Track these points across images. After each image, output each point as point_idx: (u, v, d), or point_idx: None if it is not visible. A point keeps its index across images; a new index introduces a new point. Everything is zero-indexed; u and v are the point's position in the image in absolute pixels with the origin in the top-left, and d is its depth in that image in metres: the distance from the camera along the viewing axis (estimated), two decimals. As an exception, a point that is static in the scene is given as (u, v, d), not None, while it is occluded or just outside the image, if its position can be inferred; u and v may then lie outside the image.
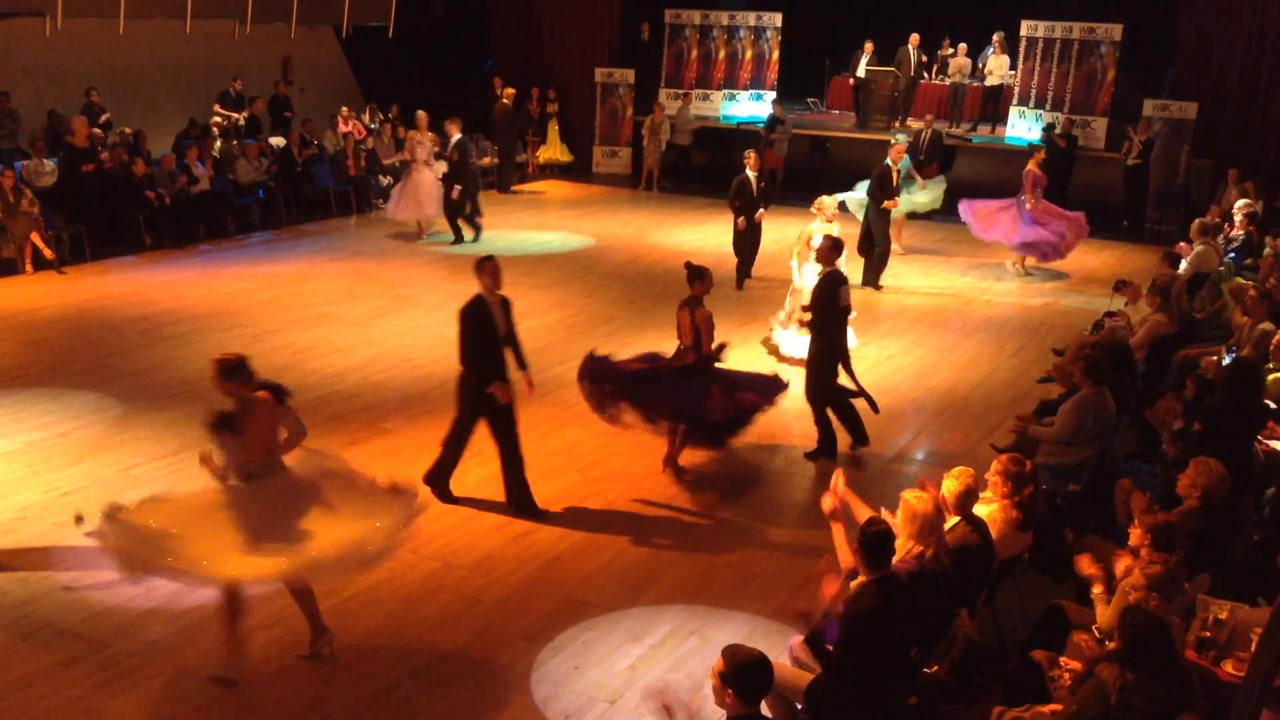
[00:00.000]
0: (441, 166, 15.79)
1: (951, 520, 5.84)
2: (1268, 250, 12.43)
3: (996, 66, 20.63)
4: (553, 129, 21.91)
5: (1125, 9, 19.54)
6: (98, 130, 15.87)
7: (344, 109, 19.22)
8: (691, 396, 8.21)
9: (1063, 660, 5.26)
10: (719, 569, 7.27)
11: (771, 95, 21.61)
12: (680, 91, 21.98)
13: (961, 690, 5.72)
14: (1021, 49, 20.33)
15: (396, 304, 12.84)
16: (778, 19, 21.92)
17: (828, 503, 5.78)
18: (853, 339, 11.03)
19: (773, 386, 8.70)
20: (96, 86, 16.91)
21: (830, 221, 11.35)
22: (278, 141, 18.21)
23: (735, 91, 22.17)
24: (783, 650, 5.78)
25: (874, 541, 4.99)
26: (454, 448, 8.00)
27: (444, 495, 8.01)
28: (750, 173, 13.41)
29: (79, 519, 7.14)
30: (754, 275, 14.02)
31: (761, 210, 13.54)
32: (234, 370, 5.90)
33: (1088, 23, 19.32)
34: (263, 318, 11.66)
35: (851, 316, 9.43)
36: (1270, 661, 3.92)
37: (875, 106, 20.63)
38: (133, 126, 16.59)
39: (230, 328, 11.70)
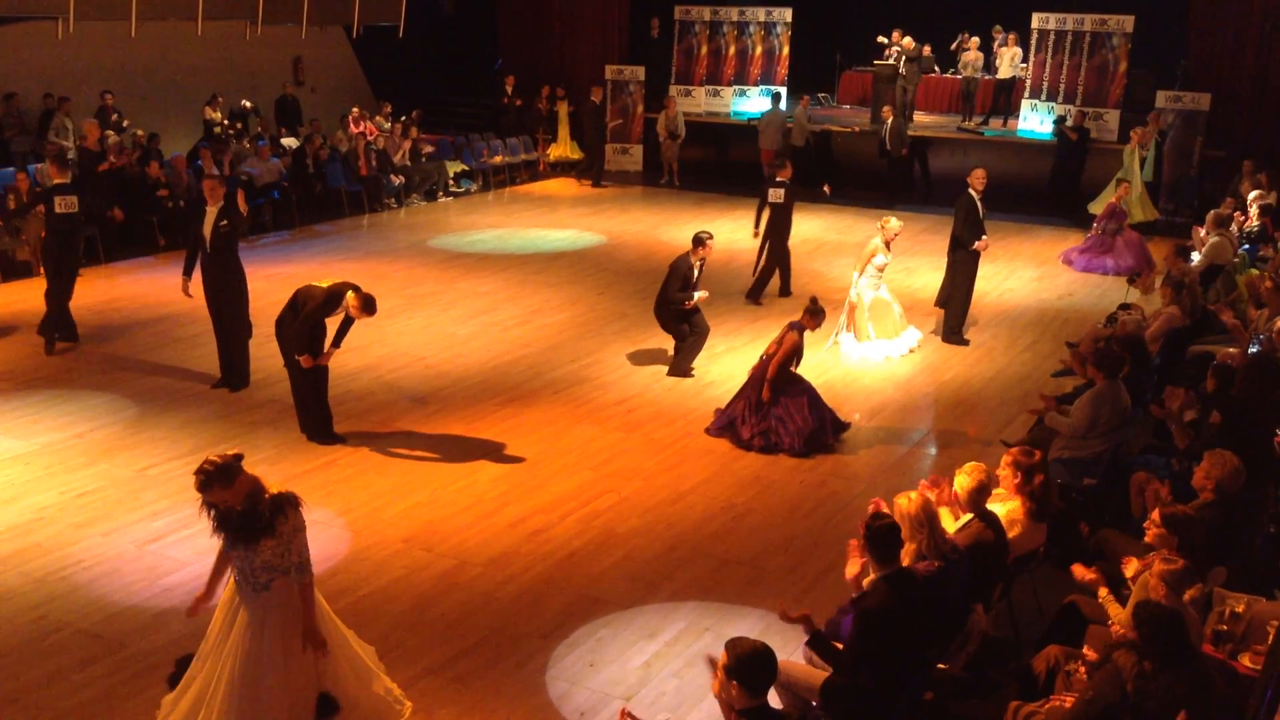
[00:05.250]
0: None
1: (965, 517, 5.84)
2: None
3: (1009, 58, 20.57)
4: (563, 127, 21.92)
5: (1136, 0, 19.45)
6: (111, 132, 15.94)
7: (355, 109, 19.27)
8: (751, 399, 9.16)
9: (1086, 649, 5.22)
10: (733, 566, 7.27)
11: (782, 90, 21.62)
12: (687, 88, 22.00)
13: (978, 685, 5.71)
14: (1033, 41, 20.26)
15: (409, 303, 12.88)
16: (788, 14, 21.88)
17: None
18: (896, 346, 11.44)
19: (821, 431, 9.15)
20: (110, 89, 16.99)
21: (888, 244, 11.11)
22: (290, 142, 18.27)
23: (746, 87, 22.15)
24: (797, 648, 5.78)
25: (879, 535, 4.97)
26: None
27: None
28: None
29: None
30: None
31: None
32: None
33: (1099, 14, 19.23)
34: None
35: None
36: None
37: (885, 101, 20.59)
38: (145, 128, 16.67)
39: (244, 328, 11.74)
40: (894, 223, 11.22)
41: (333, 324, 8.64)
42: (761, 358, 9.22)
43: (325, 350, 8.65)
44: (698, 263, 10.53)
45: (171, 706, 5.27)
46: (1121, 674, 4.57)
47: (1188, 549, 5.38)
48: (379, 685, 5.43)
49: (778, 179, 13.11)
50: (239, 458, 4.95)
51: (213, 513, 4.97)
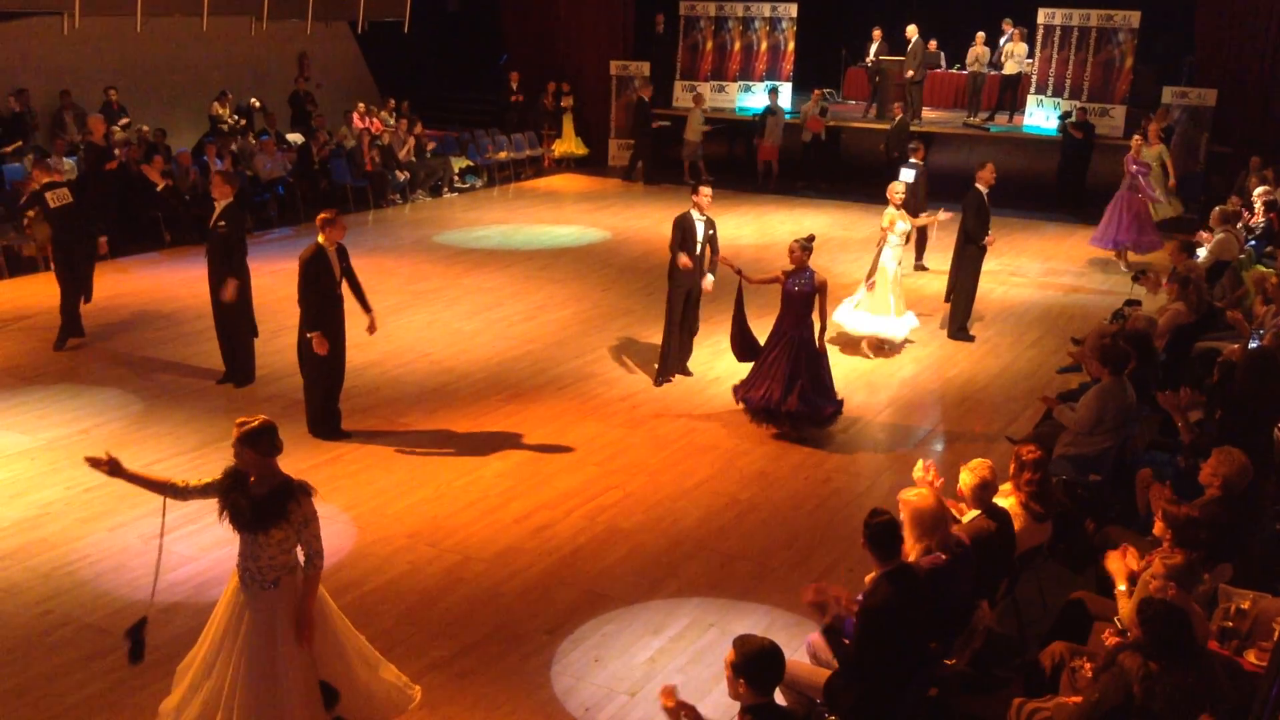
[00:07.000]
0: None
1: (970, 513, 5.83)
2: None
3: (1015, 54, 20.53)
4: (567, 123, 21.91)
5: (1143, -5, 19.40)
6: (116, 128, 15.94)
7: (360, 105, 19.27)
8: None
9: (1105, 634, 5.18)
10: (738, 562, 7.27)
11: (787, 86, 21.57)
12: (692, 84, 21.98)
13: (982, 681, 5.71)
14: (1039, 37, 20.21)
15: (414, 299, 12.89)
16: (793, 9, 21.85)
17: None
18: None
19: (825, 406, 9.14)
20: (115, 85, 17.01)
21: (899, 208, 11.06)
22: (296, 138, 18.28)
23: (751, 83, 22.12)
24: (801, 645, 5.79)
25: (879, 532, 4.96)
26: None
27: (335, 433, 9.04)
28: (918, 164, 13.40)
29: None
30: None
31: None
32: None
33: (1106, 10, 19.18)
34: (282, 313, 11.68)
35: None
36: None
37: (891, 96, 20.58)
38: (150, 124, 16.69)
39: (249, 324, 11.76)
40: (895, 184, 11.33)
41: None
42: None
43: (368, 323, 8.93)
44: (701, 217, 9.99)
45: (175, 715, 5.18)
46: (1127, 676, 4.55)
47: (1190, 546, 5.36)
48: (388, 673, 5.46)
49: (910, 160, 13.43)
50: (279, 447, 4.95)
51: (220, 491, 4.97)
